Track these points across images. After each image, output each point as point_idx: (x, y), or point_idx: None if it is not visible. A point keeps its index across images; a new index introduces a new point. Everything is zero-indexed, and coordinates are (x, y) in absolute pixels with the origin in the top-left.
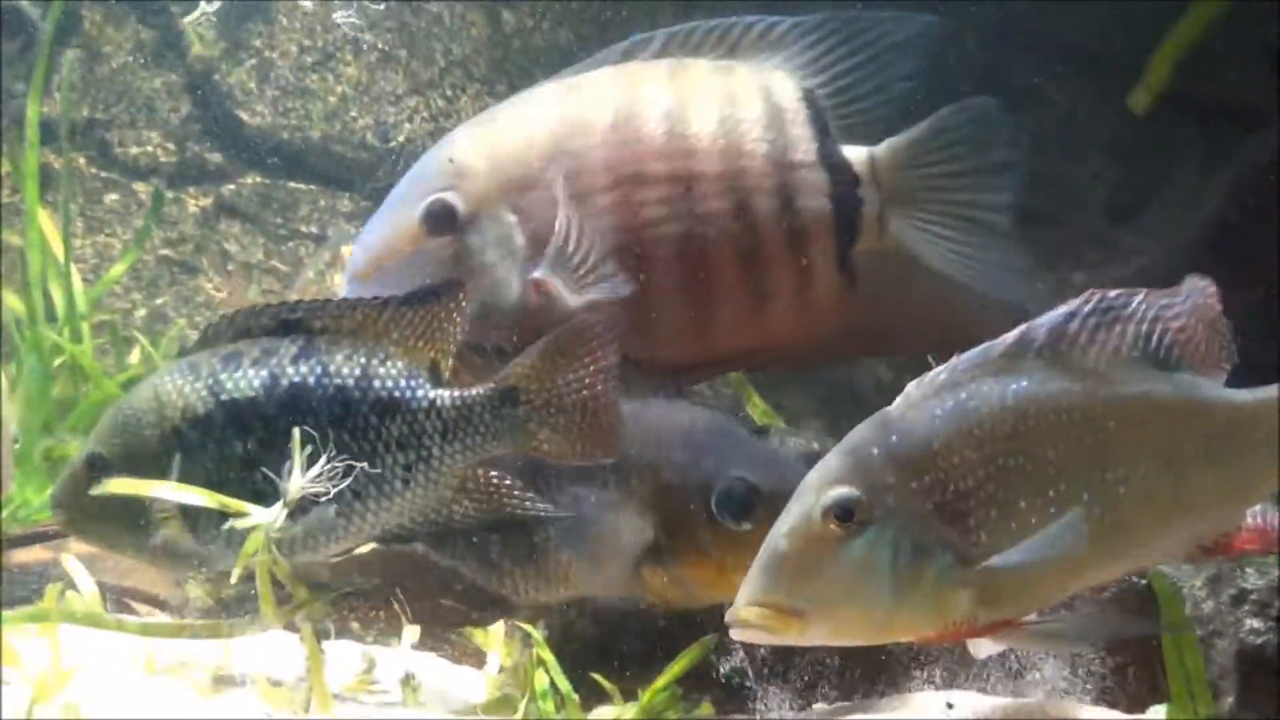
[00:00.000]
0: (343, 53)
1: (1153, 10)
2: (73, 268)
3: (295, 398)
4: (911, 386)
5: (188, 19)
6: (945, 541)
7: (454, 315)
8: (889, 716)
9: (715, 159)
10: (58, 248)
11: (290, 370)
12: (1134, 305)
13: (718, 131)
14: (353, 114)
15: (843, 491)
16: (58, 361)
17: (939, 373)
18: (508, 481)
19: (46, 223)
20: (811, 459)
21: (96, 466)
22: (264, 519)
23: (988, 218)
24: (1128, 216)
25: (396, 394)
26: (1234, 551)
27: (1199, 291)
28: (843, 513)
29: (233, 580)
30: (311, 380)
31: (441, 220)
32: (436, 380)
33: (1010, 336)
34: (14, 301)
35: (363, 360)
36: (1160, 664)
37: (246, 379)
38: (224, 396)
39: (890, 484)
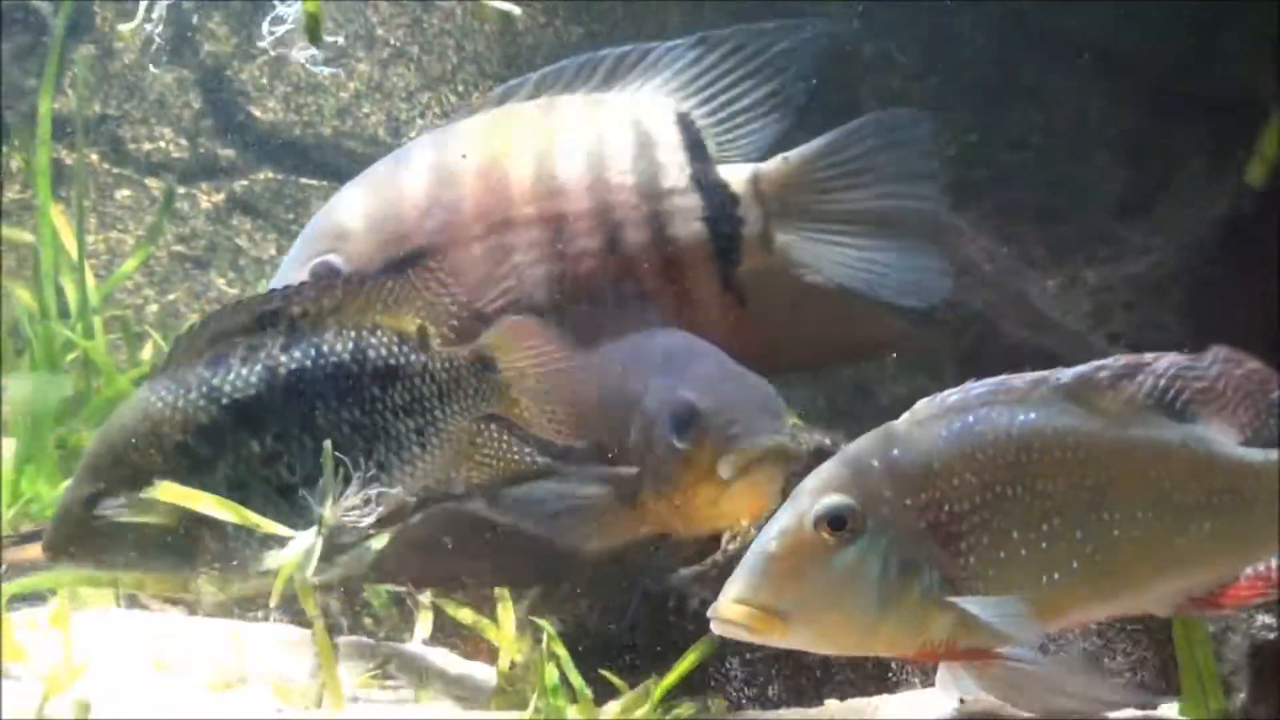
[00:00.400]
0: (355, 49)
1: (1162, 7)
2: (85, 263)
3: (298, 383)
4: (921, 404)
5: (124, 27)
6: (934, 561)
7: (436, 280)
8: (903, 715)
9: (584, 196)
10: (70, 243)
11: (284, 358)
12: (1161, 364)
13: (585, 168)
14: (365, 110)
15: (838, 500)
16: (70, 357)
17: (951, 394)
18: (508, 436)
19: (58, 218)
20: (818, 456)
21: (97, 504)
22: (301, 546)
23: (895, 225)
24: (1137, 214)
25: (393, 362)
26: (1226, 605)
27: (1224, 359)
28: (836, 521)
29: (273, 604)
30: (309, 363)
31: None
32: (425, 346)
33: (1032, 374)
34: (25, 296)
35: (353, 335)
36: (1172, 660)
37: (243, 377)
38: (225, 400)
39: (886, 497)
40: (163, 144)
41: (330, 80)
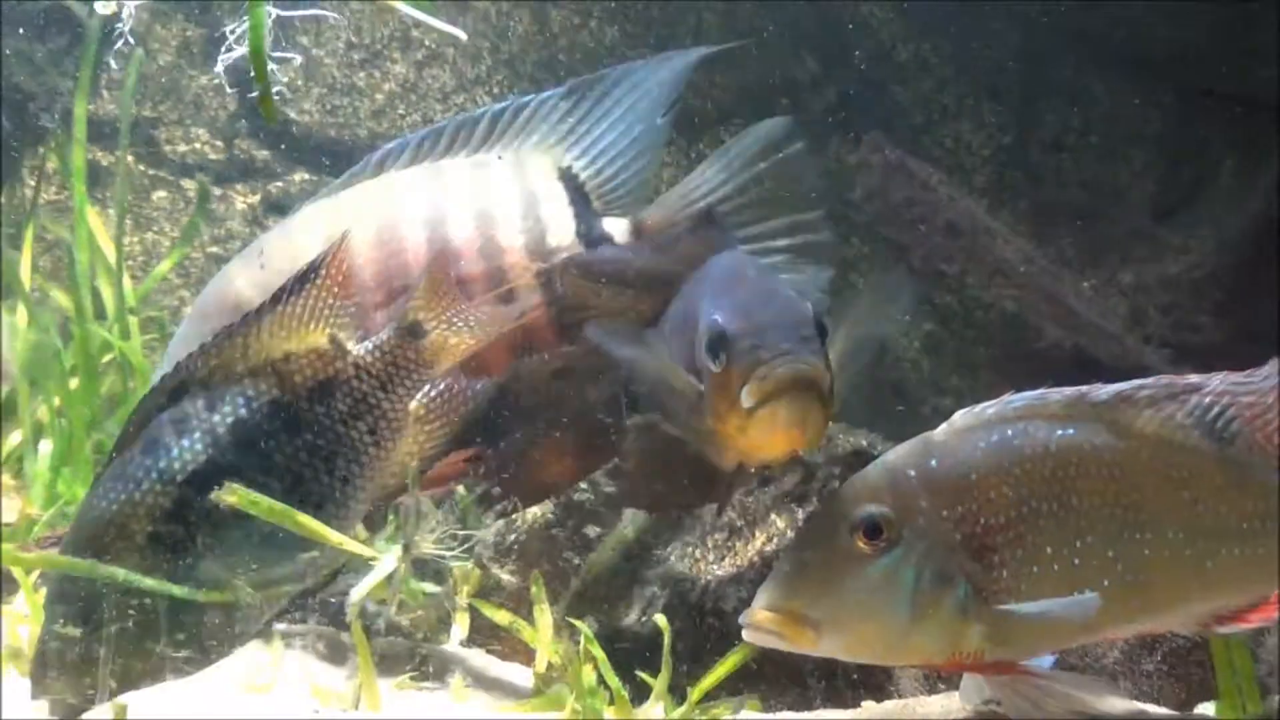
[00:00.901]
0: (390, 50)
1: (1196, 8)
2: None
3: (241, 434)
4: (959, 415)
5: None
6: (967, 573)
7: (328, 290)
8: (939, 715)
9: (477, 260)
10: (105, 244)
11: (215, 417)
12: (1209, 384)
13: (476, 232)
14: (400, 111)
15: (874, 509)
16: (106, 359)
17: (989, 406)
18: (443, 387)
19: (94, 220)
20: (857, 458)
21: (87, 617)
22: (385, 570)
23: (776, 242)
24: (1173, 214)
25: (322, 375)
26: (1252, 622)
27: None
28: (871, 530)
29: (352, 625)
30: (243, 413)
31: None
32: (343, 350)
33: (1071, 389)
34: (62, 298)
35: (270, 369)
36: (1209, 661)
37: (186, 449)
38: (180, 478)
39: (922, 508)
40: (198, 145)
41: (366, 82)
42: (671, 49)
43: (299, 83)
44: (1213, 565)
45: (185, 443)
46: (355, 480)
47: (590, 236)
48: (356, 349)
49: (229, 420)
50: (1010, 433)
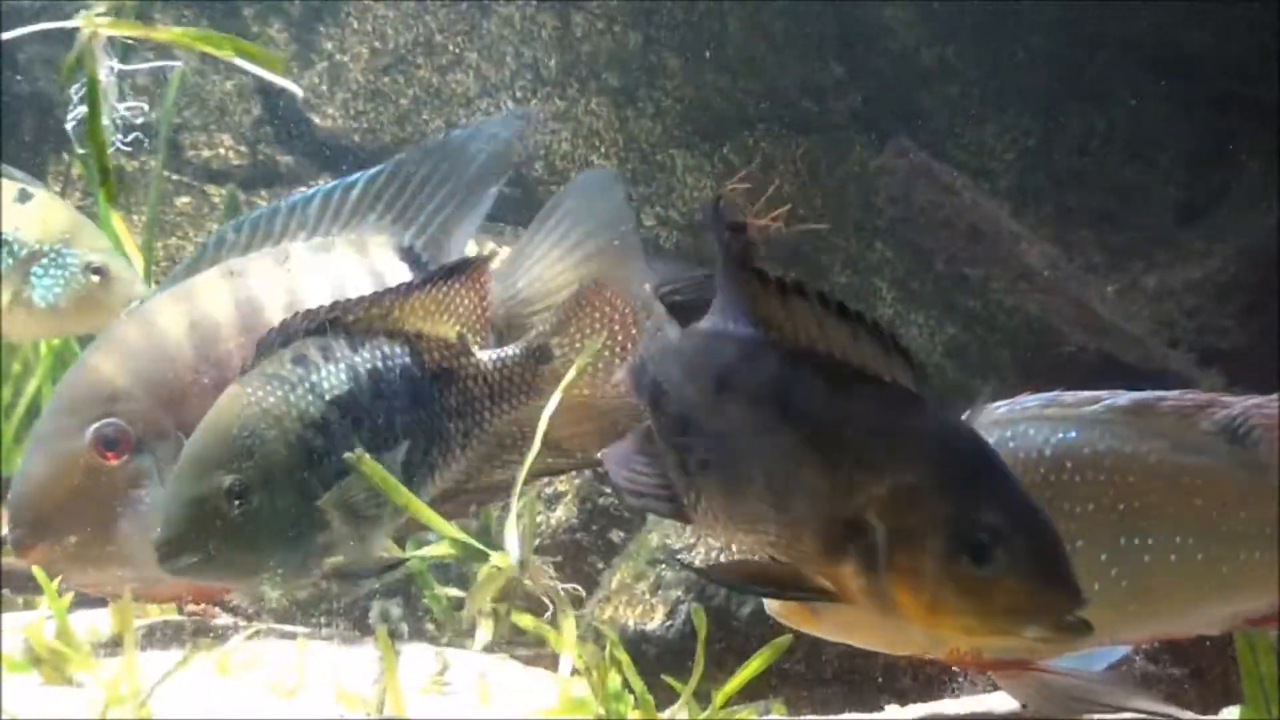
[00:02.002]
0: (414, 55)
1: (1220, 12)
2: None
3: (378, 383)
4: (966, 415)
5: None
6: None
7: (470, 290)
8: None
9: None
10: (132, 251)
11: (358, 359)
12: (1235, 400)
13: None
14: (424, 116)
15: None
16: None
17: (1000, 405)
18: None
19: (119, 225)
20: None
21: (237, 493)
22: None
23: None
24: (1197, 219)
25: (448, 365)
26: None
27: None
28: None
29: (467, 612)
30: (381, 364)
31: (115, 443)
32: (468, 351)
33: (1088, 392)
34: None
35: (408, 340)
36: (1234, 666)
37: (335, 376)
38: (328, 396)
39: None
40: (222, 151)
41: (390, 87)
42: (695, 53)
43: (323, 88)
44: (1227, 570)
45: (331, 369)
46: (437, 473)
47: None
48: (480, 353)
49: (366, 366)
50: (1008, 434)
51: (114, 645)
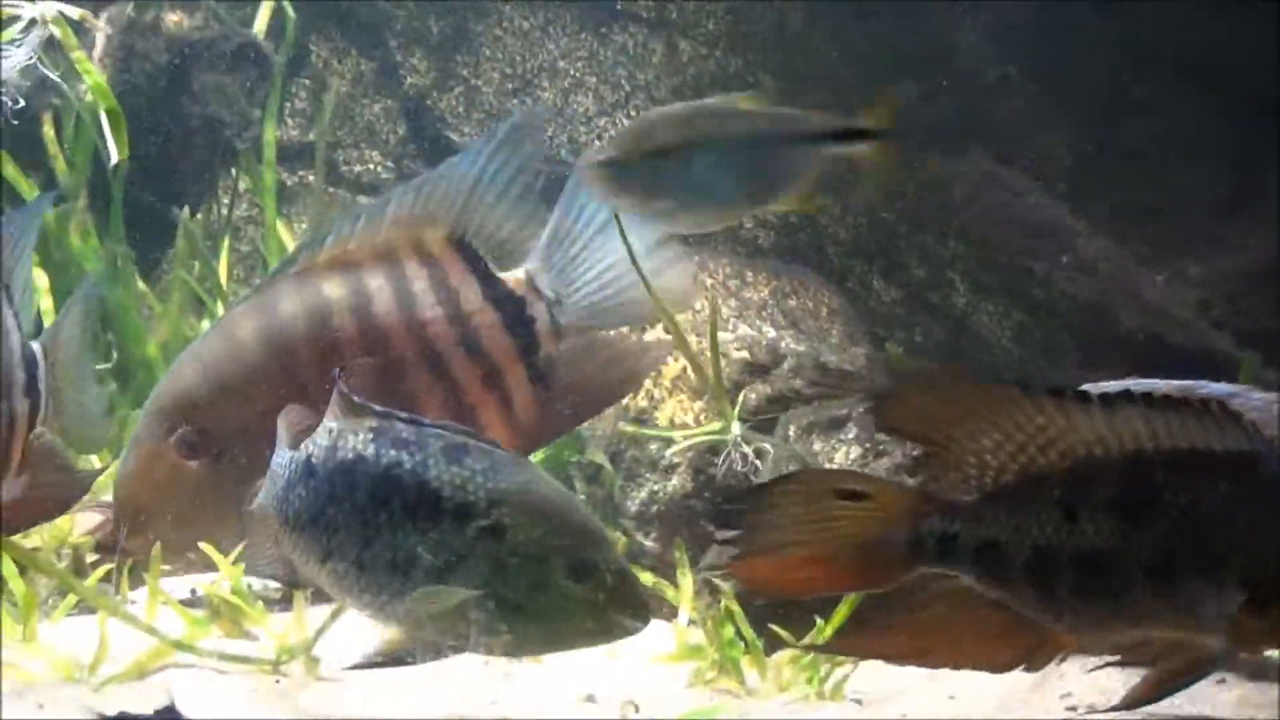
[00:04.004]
0: (539, 79)
1: (1265, 17)
2: None
3: None
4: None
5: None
6: None
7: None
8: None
9: (406, 337)
10: None
11: None
12: None
13: (400, 312)
14: (549, 134)
15: None
16: None
17: (1108, 385)
18: None
19: (284, 233)
20: None
21: None
22: None
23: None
24: (1239, 214)
25: None
26: None
27: None
28: None
29: None
30: None
31: (195, 447)
32: None
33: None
34: None
35: None
36: None
37: None
38: None
39: None
40: (371, 166)
41: (518, 108)
42: (787, 73)
43: (460, 109)
44: None
45: None
46: None
47: (496, 297)
48: None
49: None
50: None
51: (285, 601)
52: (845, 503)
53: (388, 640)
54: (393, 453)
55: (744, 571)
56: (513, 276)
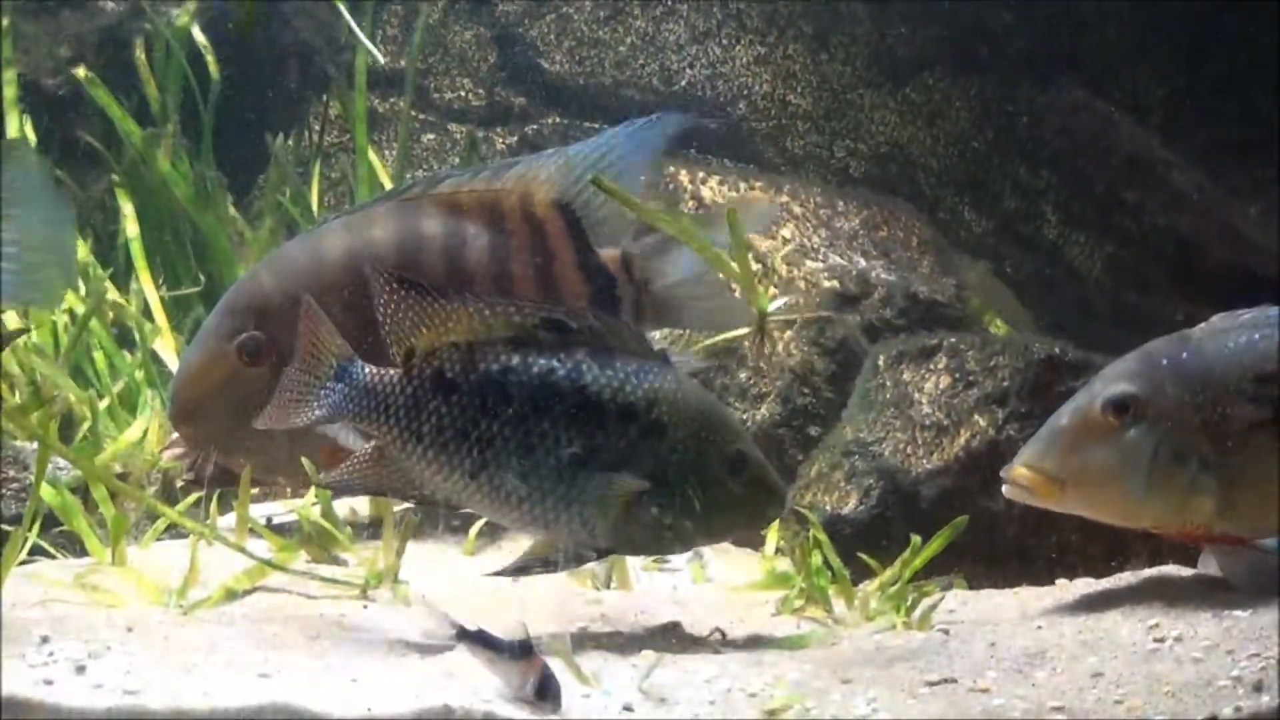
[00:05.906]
0: (631, 7)
1: None
2: None
3: None
4: (1218, 317)
5: None
6: (1202, 454)
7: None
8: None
9: (492, 289)
10: (385, 180)
11: None
12: None
13: (491, 263)
14: (640, 61)
15: (1123, 388)
16: None
17: (1246, 311)
18: None
19: (374, 159)
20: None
21: None
22: None
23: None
24: None
25: None
26: None
27: None
28: (1120, 405)
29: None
30: None
31: (256, 353)
32: None
33: None
34: None
35: None
36: None
37: None
38: None
39: (1169, 392)
40: (463, 93)
41: (610, 35)
42: (881, 3)
43: (551, 37)
44: None
45: None
46: None
47: (588, 267)
48: None
49: None
50: (1258, 336)
51: (373, 526)
52: None
53: (533, 546)
54: (543, 361)
55: None
56: (609, 253)
